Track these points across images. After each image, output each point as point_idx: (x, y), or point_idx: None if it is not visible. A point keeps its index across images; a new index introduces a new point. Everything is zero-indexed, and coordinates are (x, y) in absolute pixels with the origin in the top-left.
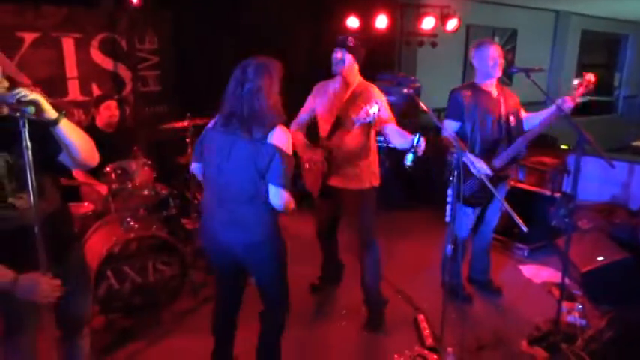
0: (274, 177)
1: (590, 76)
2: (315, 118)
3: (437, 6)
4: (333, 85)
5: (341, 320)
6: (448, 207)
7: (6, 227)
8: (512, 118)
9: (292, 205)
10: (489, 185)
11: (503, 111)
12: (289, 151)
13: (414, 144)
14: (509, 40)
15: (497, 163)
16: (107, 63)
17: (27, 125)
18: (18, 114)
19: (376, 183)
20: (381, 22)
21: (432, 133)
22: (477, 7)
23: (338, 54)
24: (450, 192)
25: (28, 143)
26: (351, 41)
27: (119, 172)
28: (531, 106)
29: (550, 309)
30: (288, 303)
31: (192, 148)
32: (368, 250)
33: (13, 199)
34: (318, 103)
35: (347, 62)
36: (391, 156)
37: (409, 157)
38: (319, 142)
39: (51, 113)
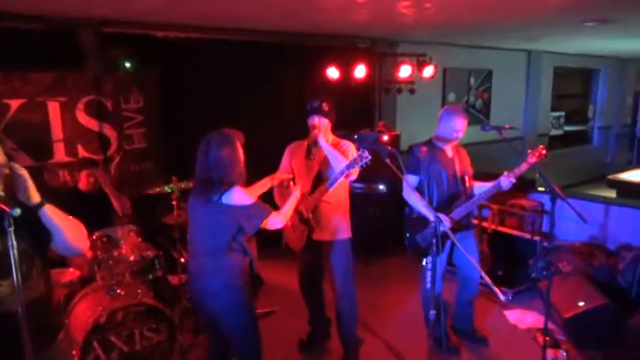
0: (253, 225)
1: (543, 150)
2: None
3: (413, 54)
4: (307, 144)
5: None
6: (428, 273)
7: None
8: (467, 178)
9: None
10: (453, 236)
11: (458, 169)
12: (249, 202)
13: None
14: (485, 80)
15: (455, 215)
16: (92, 124)
17: (13, 225)
18: (4, 213)
19: (350, 234)
20: (360, 71)
21: None
22: (452, 51)
23: (315, 120)
24: (428, 259)
25: (14, 242)
26: (325, 107)
27: (105, 239)
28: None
29: (536, 357)
30: (259, 355)
31: (178, 209)
32: (345, 296)
33: None
34: (294, 162)
35: (323, 126)
36: (368, 202)
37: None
38: (300, 199)
39: (35, 197)
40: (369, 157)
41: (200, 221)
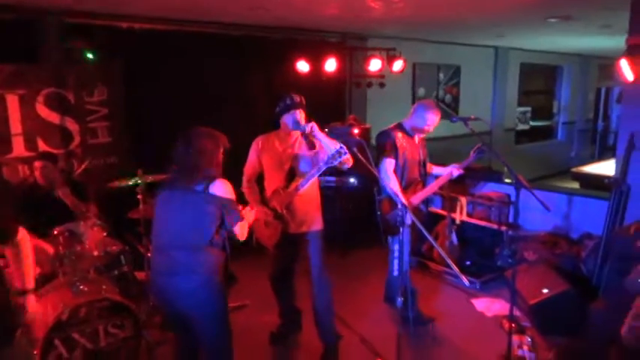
0: (233, 219)
1: (481, 146)
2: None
3: (383, 48)
4: (277, 139)
5: None
6: (395, 261)
7: None
8: (428, 164)
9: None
10: (416, 220)
11: (421, 156)
12: (232, 197)
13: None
14: (454, 76)
15: (414, 200)
16: (53, 117)
17: None
18: None
19: (322, 225)
20: (331, 65)
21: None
22: (421, 47)
23: (297, 114)
24: (396, 247)
25: None
26: (304, 100)
27: (67, 234)
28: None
29: (502, 343)
30: (230, 352)
31: (144, 203)
32: (322, 288)
33: None
34: (264, 158)
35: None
36: (340, 195)
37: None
38: (273, 195)
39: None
40: (347, 153)
41: (179, 213)
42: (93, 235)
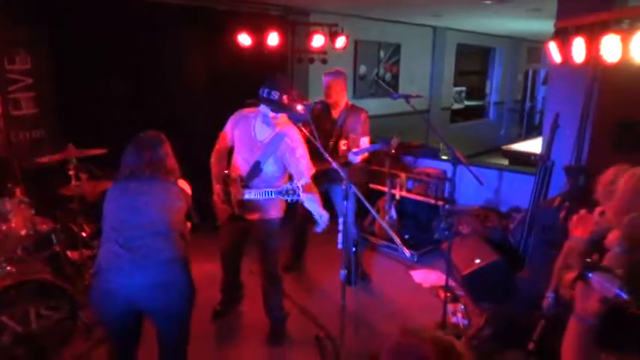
0: (192, 218)
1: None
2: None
3: (325, 24)
4: (254, 121)
5: (246, 341)
6: (340, 235)
7: None
8: (343, 142)
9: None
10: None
11: (335, 133)
12: (189, 193)
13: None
14: (394, 54)
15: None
16: None
17: None
18: None
19: (280, 214)
20: (273, 39)
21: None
22: (363, 24)
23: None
24: (340, 220)
25: None
26: (293, 100)
27: None
28: (418, 114)
29: (438, 311)
30: (187, 346)
31: (76, 179)
32: (273, 280)
33: None
34: (237, 135)
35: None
36: None
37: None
38: (233, 181)
39: None
40: (299, 197)
41: (149, 197)
42: (19, 213)
